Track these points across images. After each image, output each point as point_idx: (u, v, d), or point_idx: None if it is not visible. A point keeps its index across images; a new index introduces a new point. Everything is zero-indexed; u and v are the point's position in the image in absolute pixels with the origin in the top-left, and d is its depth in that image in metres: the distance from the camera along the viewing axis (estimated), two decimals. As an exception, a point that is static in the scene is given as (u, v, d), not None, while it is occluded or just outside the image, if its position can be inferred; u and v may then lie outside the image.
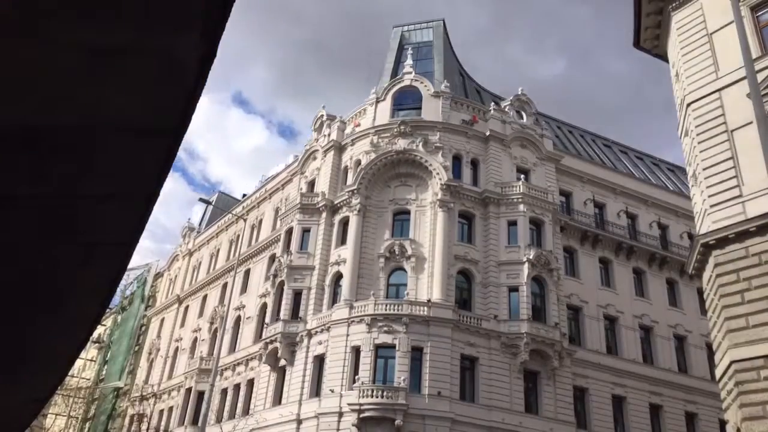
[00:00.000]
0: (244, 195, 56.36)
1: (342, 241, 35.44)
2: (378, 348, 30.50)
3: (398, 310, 30.75)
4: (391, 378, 29.56)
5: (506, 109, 39.42)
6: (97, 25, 2.36)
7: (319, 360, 32.43)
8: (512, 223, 34.49)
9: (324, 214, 36.67)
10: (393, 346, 30.20)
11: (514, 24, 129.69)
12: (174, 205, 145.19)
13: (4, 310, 4.38)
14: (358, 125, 38.91)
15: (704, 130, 17.09)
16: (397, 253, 33.15)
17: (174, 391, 45.75)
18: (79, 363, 59.33)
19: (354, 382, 29.63)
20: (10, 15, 2.24)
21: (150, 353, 53.67)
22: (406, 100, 38.70)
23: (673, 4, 19.53)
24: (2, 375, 5.50)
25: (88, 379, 63.71)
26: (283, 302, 34.83)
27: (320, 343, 32.48)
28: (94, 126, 2.88)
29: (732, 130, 16.36)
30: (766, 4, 17.14)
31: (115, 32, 2.39)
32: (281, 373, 34.61)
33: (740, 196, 15.50)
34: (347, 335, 31.19)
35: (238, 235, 45.51)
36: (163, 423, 44.20)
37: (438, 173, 34.41)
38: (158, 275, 62.16)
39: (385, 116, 38.09)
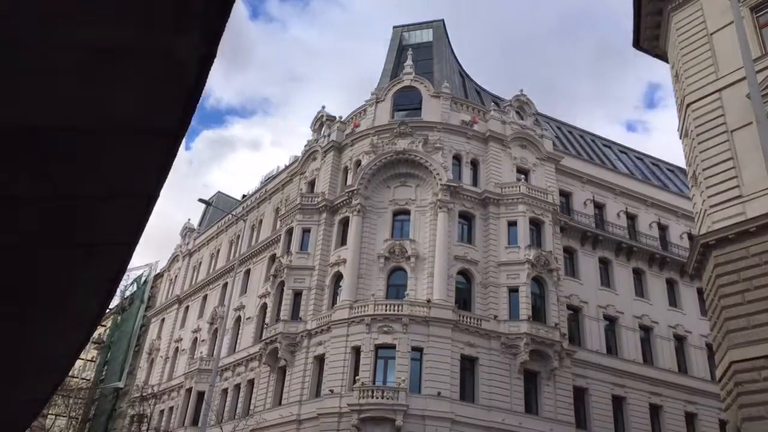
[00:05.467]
0: (244, 195, 56.37)
1: (342, 241, 35.43)
2: (378, 348, 30.48)
3: (398, 311, 30.74)
4: (391, 378, 29.54)
5: (506, 110, 39.43)
6: (97, 25, 2.36)
7: (319, 360, 32.42)
8: (512, 224, 34.47)
9: (324, 215, 36.66)
10: (393, 347, 30.19)
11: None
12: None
13: (4, 310, 4.39)
14: (358, 126, 38.92)
15: (704, 130, 17.10)
16: (397, 253, 33.14)
17: (174, 391, 45.74)
18: (79, 363, 59.32)
19: (354, 382, 29.61)
20: (10, 15, 2.25)
21: (150, 354, 53.66)
22: (406, 100, 38.70)
23: (673, 5, 19.55)
24: (2, 375, 5.50)
25: (88, 380, 63.70)
26: (283, 303, 34.81)
27: (320, 343, 32.47)
28: (94, 126, 2.89)
29: (732, 131, 16.37)
30: (766, 5, 17.15)
31: (115, 32, 2.40)
32: (281, 374, 34.60)
33: (740, 196, 15.51)
34: (347, 336, 31.18)
35: (238, 236, 45.50)
36: (163, 423, 44.17)
37: (438, 173, 34.41)
38: (158, 276, 62.13)
39: (384, 117, 38.10)
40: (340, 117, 40.99)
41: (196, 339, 47.30)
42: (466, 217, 35.06)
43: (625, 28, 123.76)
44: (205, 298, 49.41)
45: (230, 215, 48.35)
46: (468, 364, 30.98)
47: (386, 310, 30.84)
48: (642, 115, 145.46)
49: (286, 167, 47.09)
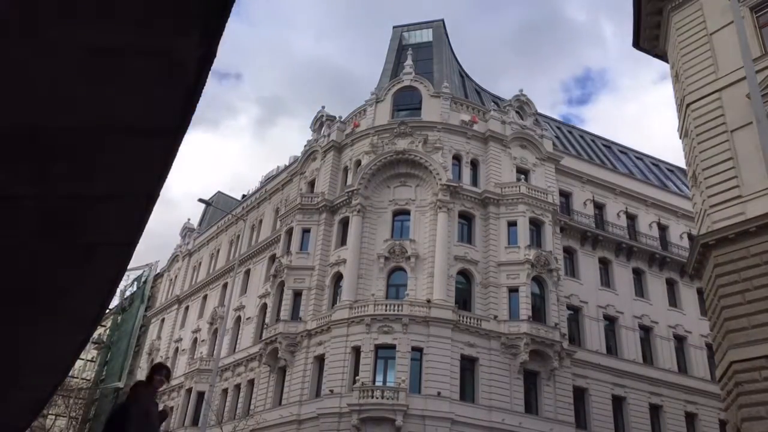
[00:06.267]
0: (244, 195, 56.38)
1: (342, 241, 35.43)
2: (378, 348, 30.48)
3: (398, 311, 30.73)
4: (391, 378, 29.54)
5: (506, 110, 39.43)
6: (97, 26, 2.36)
7: (319, 360, 32.41)
8: (512, 224, 34.46)
9: (324, 215, 36.67)
10: (393, 347, 30.18)
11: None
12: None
13: (4, 310, 4.39)
14: (358, 125, 38.91)
15: (704, 130, 17.10)
16: (397, 253, 33.13)
17: (174, 391, 45.75)
18: (79, 363, 59.21)
19: (354, 382, 29.61)
20: (10, 15, 2.25)
21: (150, 354, 53.65)
22: (406, 100, 38.70)
23: (673, 5, 19.55)
24: (2, 375, 5.50)
25: (88, 380, 63.69)
26: (283, 303, 34.81)
27: (320, 343, 32.47)
28: (94, 126, 2.89)
29: (732, 131, 16.37)
30: (766, 4, 17.15)
31: (115, 32, 2.40)
32: (281, 374, 34.59)
33: (740, 196, 15.51)
34: (347, 336, 31.17)
35: (238, 236, 45.49)
36: (163, 423, 44.15)
37: (438, 173, 34.40)
38: (158, 276, 62.14)
39: (384, 116, 38.09)
40: (340, 117, 41.02)
41: (196, 339, 47.30)
42: (466, 217, 35.05)
43: (566, 14, 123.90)
44: (205, 298, 49.40)
45: (230, 215, 48.36)
46: (468, 364, 30.96)
47: (386, 310, 30.84)
48: (574, 110, 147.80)
49: (286, 167, 47.11)
